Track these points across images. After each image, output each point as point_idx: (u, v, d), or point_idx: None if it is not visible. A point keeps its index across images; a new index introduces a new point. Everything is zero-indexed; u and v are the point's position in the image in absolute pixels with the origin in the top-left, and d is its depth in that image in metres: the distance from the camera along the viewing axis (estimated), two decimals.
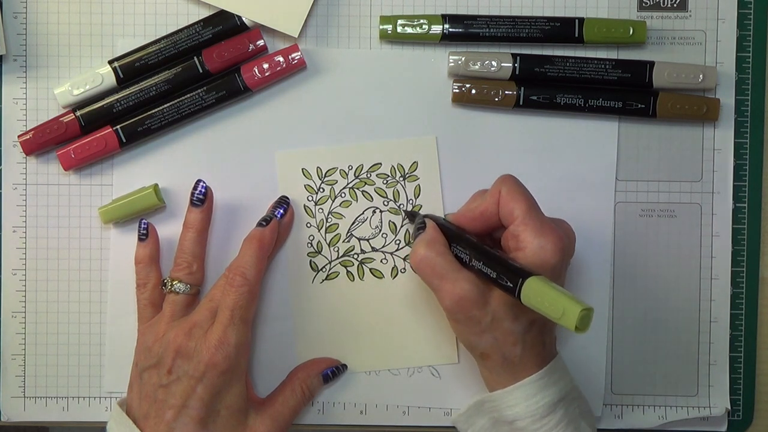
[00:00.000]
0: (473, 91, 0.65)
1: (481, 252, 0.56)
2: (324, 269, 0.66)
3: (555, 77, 0.65)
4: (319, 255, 0.66)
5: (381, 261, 0.66)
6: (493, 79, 0.65)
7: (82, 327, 0.67)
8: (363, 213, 0.66)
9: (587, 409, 0.61)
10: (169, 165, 0.66)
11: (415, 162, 0.66)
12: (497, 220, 0.58)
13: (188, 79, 0.65)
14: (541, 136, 0.66)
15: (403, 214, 0.66)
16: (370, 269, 0.66)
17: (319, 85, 0.66)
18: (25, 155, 0.66)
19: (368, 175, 0.66)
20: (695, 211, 0.67)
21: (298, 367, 0.65)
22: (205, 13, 0.65)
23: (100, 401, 0.67)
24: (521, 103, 0.65)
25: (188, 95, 0.64)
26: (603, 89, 0.65)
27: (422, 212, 0.64)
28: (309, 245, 0.66)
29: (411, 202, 0.66)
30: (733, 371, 0.67)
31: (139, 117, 0.65)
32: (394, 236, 0.66)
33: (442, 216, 0.63)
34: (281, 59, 0.64)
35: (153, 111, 0.65)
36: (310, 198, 0.66)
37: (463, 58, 0.65)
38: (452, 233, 0.59)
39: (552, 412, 0.57)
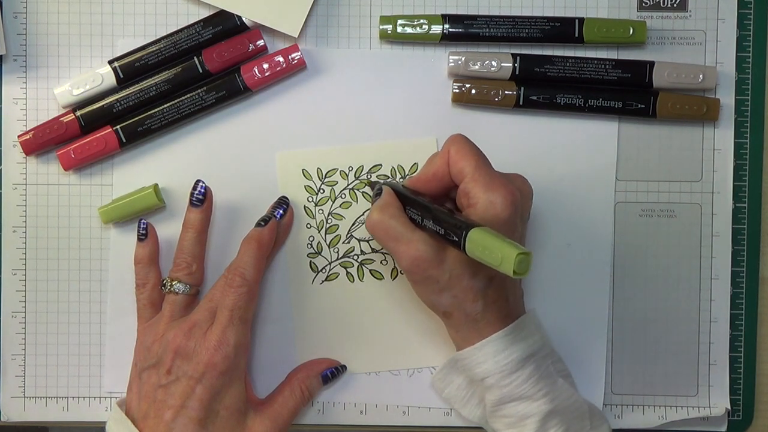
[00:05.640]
0: (473, 91, 0.65)
1: (429, 211, 0.56)
2: (324, 270, 0.66)
3: (555, 77, 0.65)
4: (319, 256, 0.66)
5: (381, 262, 0.66)
6: (493, 79, 0.65)
7: (82, 327, 0.67)
8: (363, 214, 0.66)
9: (565, 369, 0.61)
10: (169, 165, 0.66)
11: (415, 164, 0.66)
12: (450, 180, 0.58)
13: (188, 79, 0.64)
14: (541, 136, 0.66)
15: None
16: (370, 270, 0.66)
17: (319, 85, 0.66)
18: (25, 155, 0.66)
19: (368, 176, 0.66)
20: (695, 211, 0.66)
21: (297, 368, 0.65)
22: (205, 13, 0.65)
23: (100, 401, 0.67)
24: (521, 103, 0.65)
25: (188, 95, 0.64)
26: (603, 89, 0.65)
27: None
28: (309, 246, 0.66)
29: None
30: (733, 371, 0.67)
31: (139, 117, 0.65)
32: None
33: (401, 183, 0.63)
34: (281, 59, 0.64)
35: (153, 111, 0.65)
36: (310, 199, 0.66)
37: (463, 58, 0.65)
38: (407, 198, 0.59)
39: (521, 368, 0.57)
